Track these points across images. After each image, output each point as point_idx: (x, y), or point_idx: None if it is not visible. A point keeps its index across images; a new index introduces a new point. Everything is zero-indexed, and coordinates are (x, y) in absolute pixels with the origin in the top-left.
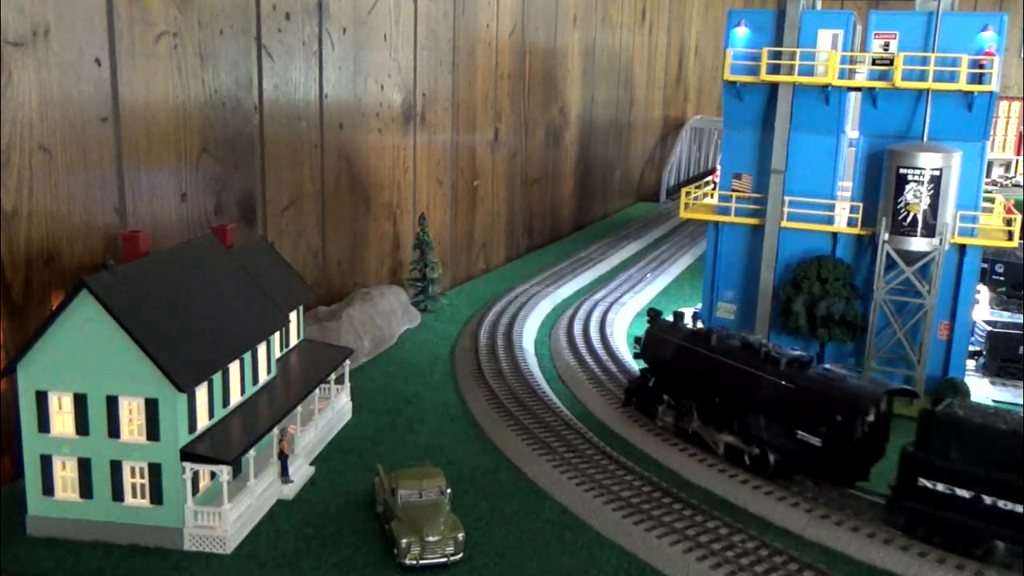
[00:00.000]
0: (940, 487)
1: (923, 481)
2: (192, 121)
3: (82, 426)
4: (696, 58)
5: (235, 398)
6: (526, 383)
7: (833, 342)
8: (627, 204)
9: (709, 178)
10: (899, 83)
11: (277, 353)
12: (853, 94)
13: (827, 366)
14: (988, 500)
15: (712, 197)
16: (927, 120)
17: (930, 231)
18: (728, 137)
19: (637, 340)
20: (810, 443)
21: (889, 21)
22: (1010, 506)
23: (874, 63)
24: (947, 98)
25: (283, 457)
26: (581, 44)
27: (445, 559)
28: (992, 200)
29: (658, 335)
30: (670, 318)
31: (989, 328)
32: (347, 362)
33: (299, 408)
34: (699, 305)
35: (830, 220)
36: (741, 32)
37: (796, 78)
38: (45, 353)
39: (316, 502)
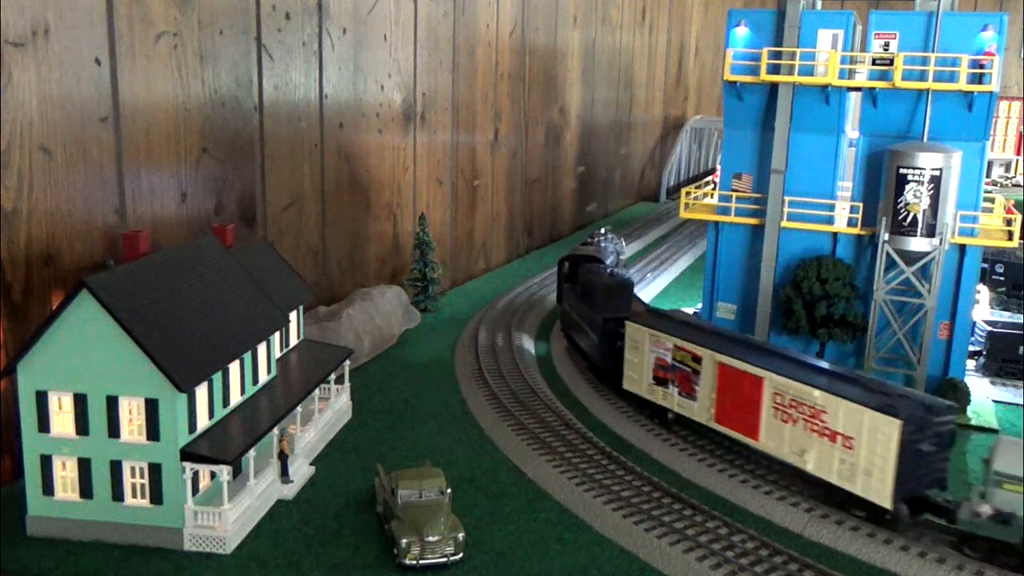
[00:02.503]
0: (568, 308)
1: (564, 305)
2: (192, 121)
3: (82, 426)
4: (696, 58)
5: (235, 398)
6: (526, 383)
7: (833, 342)
8: (627, 204)
9: (709, 178)
10: (899, 83)
11: (277, 353)
12: (853, 94)
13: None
14: (577, 319)
15: (712, 197)
16: (927, 120)
17: (930, 231)
18: (728, 137)
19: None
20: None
21: (889, 21)
22: (584, 325)
23: (874, 63)
24: (947, 98)
25: (283, 457)
26: (581, 44)
27: (445, 559)
28: (992, 200)
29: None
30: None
31: (989, 328)
32: (347, 362)
33: (299, 408)
34: (699, 304)
35: (830, 220)
36: (741, 32)
37: (796, 78)
38: (45, 353)
39: (316, 502)
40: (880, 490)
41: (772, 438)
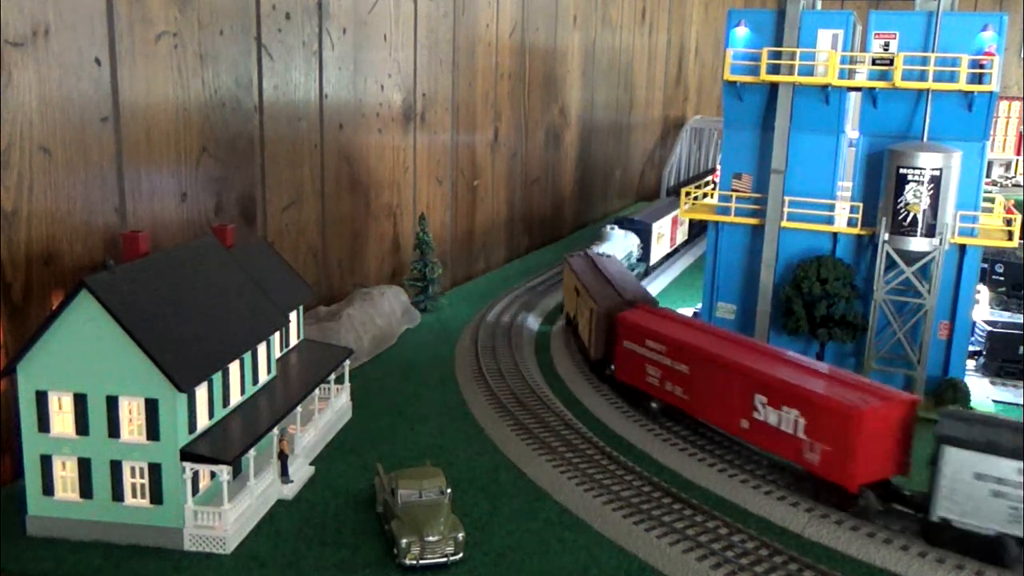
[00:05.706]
0: None
1: None
2: (192, 121)
3: (82, 426)
4: (696, 58)
5: (235, 398)
6: (526, 383)
7: (833, 342)
8: (627, 204)
9: (709, 178)
10: (899, 83)
11: (277, 353)
12: (853, 94)
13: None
14: None
15: (712, 197)
16: (927, 120)
17: (930, 231)
18: (728, 137)
19: None
20: None
21: (889, 21)
22: None
23: (874, 63)
24: (947, 98)
25: (283, 457)
26: (581, 44)
27: (445, 559)
28: (992, 200)
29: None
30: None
31: (989, 328)
32: (347, 362)
33: (299, 408)
34: (699, 304)
35: (830, 220)
36: (741, 32)
37: (796, 78)
38: (45, 353)
39: (316, 502)
40: None
41: None
